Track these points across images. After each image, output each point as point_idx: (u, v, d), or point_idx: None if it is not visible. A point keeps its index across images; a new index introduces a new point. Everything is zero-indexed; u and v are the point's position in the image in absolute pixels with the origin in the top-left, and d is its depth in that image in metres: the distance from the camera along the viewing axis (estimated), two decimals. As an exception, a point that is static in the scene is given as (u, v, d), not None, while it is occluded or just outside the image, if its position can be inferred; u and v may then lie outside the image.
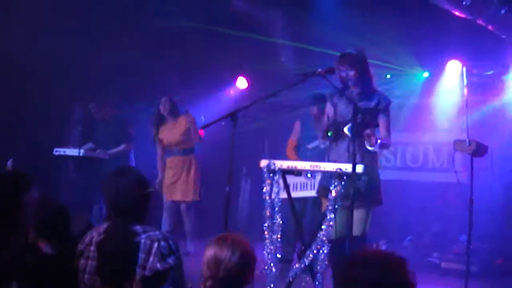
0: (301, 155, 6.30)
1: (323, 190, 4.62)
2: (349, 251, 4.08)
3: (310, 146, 6.29)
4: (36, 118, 7.57)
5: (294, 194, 4.76)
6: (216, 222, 6.83)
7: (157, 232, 2.81)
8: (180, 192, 6.83)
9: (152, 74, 8.23)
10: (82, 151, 6.94)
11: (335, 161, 4.50)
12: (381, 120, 4.75)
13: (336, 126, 4.69)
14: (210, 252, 2.63)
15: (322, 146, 6.20)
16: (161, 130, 6.96)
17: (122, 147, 7.34)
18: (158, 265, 2.70)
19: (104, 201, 2.99)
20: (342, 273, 1.88)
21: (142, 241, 2.74)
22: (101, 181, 3.33)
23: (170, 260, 2.73)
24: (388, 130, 4.75)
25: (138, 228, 2.80)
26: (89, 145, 7.39)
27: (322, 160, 4.79)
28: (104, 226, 2.88)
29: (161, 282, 2.70)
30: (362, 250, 1.96)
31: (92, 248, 2.82)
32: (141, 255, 2.71)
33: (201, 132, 6.94)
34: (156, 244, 2.73)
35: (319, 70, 4.36)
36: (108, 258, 2.76)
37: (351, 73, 4.66)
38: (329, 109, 4.84)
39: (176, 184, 6.84)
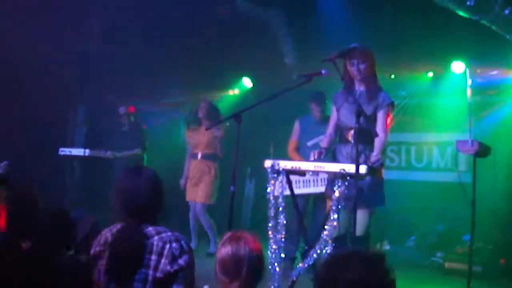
0: (302, 154, 6.32)
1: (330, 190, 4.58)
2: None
3: (309, 143, 6.31)
4: (38, 119, 7.60)
5: (297, 191, 4.75)
6: (221, 221, 6.91)
7: (169, 233, 2.80)
8: (200, 193, 7.05)
9: (156, 75, 8.25)
10: (87, 151, 7.00)
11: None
12: (379, 117, 4.61)
13: (340, 131, 4.67)
14: (226, 250, 2.58)
15: (321, 143, 6.22)
16: (192, 131, 7.18)
17: (134, 151, 7.43)
18: (169, 267, 2.71)
19: (116, 201, 2.91)
20: (319, 275, 1.84)
21: (155, 243, 2.74)
22: (112, 181, 3.30)
23: (181, 261, 2.74)
24: (382, 129, 4.56)
25: (150, 229, 2.80)
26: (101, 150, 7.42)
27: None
28: (117, 226, 2.86)
29: (172, 282, 2.72)
30: (339, 250, 1.90)
31: (106, 248, 2.81)
32: (154, 257, 2.72)
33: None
34: (168, 246, 2.74)
35: (329, 57, 4.21)
36: (120, 259, 2.76)
37: (362, 66, 4.55)
38: (332, 112, 4.81)
39: (198, 186, 7.08)
